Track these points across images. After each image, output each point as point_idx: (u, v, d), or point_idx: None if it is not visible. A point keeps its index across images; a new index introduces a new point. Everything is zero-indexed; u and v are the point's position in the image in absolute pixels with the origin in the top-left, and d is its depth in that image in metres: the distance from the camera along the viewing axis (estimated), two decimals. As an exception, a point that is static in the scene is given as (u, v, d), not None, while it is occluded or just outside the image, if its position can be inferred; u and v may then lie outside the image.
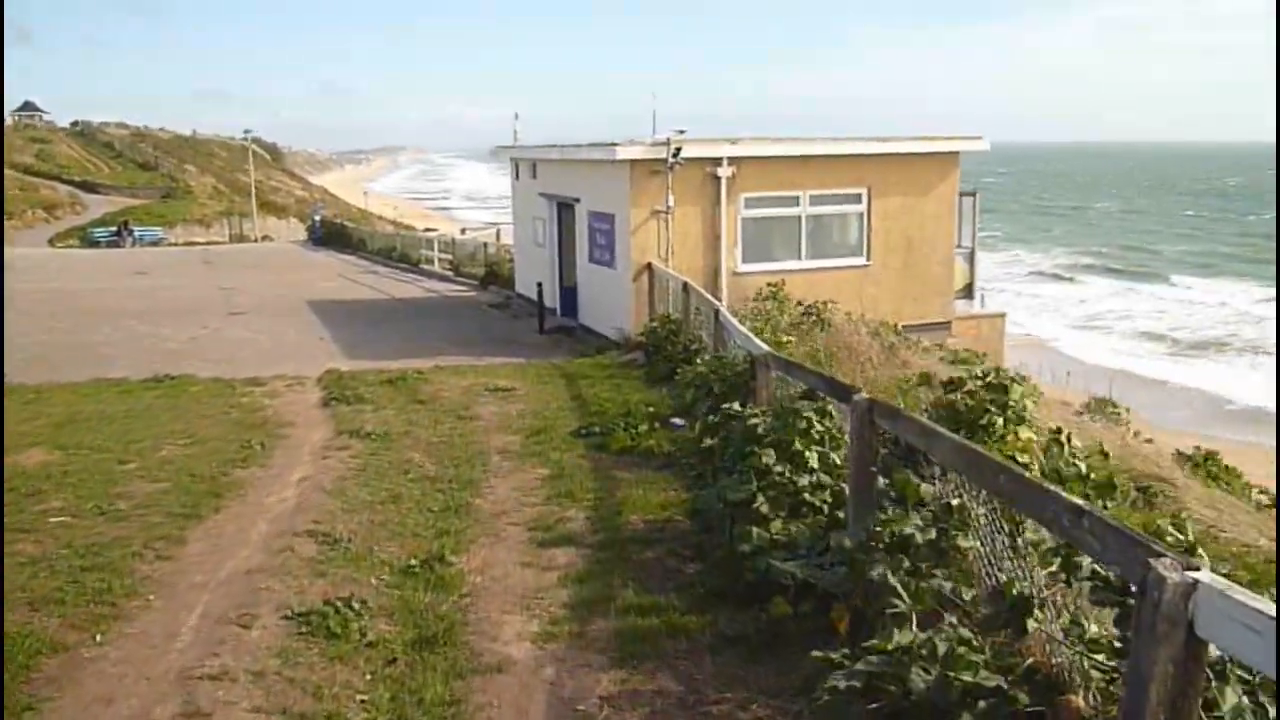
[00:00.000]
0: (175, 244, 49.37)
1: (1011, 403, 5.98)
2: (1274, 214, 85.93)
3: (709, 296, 14.68)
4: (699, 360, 13.92)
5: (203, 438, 11.53)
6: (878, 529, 5.30)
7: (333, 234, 44.58)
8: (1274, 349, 39.51)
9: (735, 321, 12.16)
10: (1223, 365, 41.31)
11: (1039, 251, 76.68)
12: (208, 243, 50.27)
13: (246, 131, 58.58)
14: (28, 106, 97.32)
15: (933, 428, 4.93)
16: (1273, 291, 51.66)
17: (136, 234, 47.22)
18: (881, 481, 6.11)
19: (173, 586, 6.82)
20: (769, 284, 19.30)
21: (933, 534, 4.87)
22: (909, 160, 21.11)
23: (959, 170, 21.72)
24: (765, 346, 9.87)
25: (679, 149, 18.98)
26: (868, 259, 21.19)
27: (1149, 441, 13.40)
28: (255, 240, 54.13)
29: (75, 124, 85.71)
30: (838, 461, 6.94)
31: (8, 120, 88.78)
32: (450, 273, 33.16)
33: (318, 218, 47.51)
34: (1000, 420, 5.78)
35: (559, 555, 7.65)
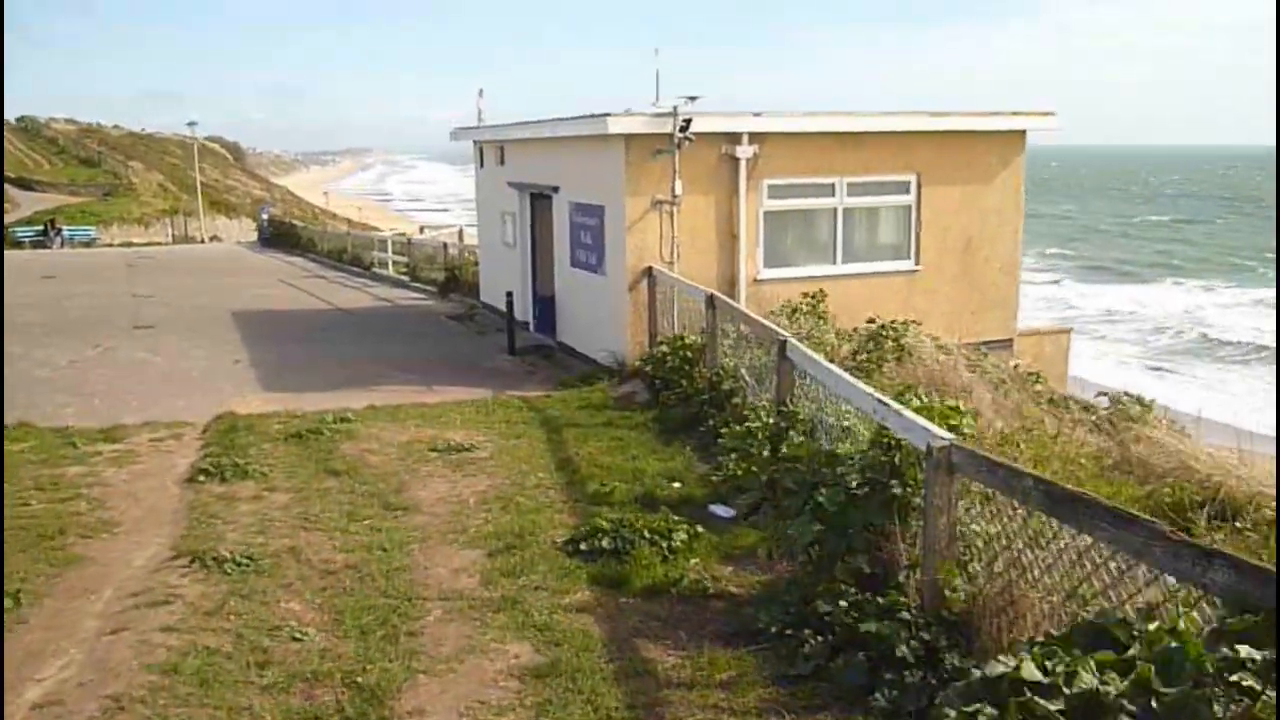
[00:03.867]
0: (111, 244, 43.85)
1: None
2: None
3: (766, 322, 9.76)
4: (746, 413, 9.14)
5: (-72, 572, 6.56)
6: None
7: (281, 234, 39.21)
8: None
9: (838, 368, 7.20)
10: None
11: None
12: (146, 243, 44.68)
13: (191, 123, 52.64)
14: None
15: None
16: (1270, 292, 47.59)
17: (65, 234, 41.66)
18: None
19: None
20: (805, 295, 14.58)
21: None
22: (968, 140, 16.39)
23: (1025, 154, 17.08)
24: (940, 430, 5.07)
25: (688, 121, 14.13)
26: (916, 263, 16.45)
27: None
28: (202, 241, 48.64)
29: (21, 119, 79.39)
30: None
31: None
32: (406, 277, 28.11)
33: (265, 216, 42.16)
34: None
35: None
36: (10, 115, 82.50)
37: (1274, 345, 37.99)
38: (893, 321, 11.50)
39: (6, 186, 50.36)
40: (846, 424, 7.56)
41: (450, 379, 15.09)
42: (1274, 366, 34.96)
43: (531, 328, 18.29)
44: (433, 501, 8.40)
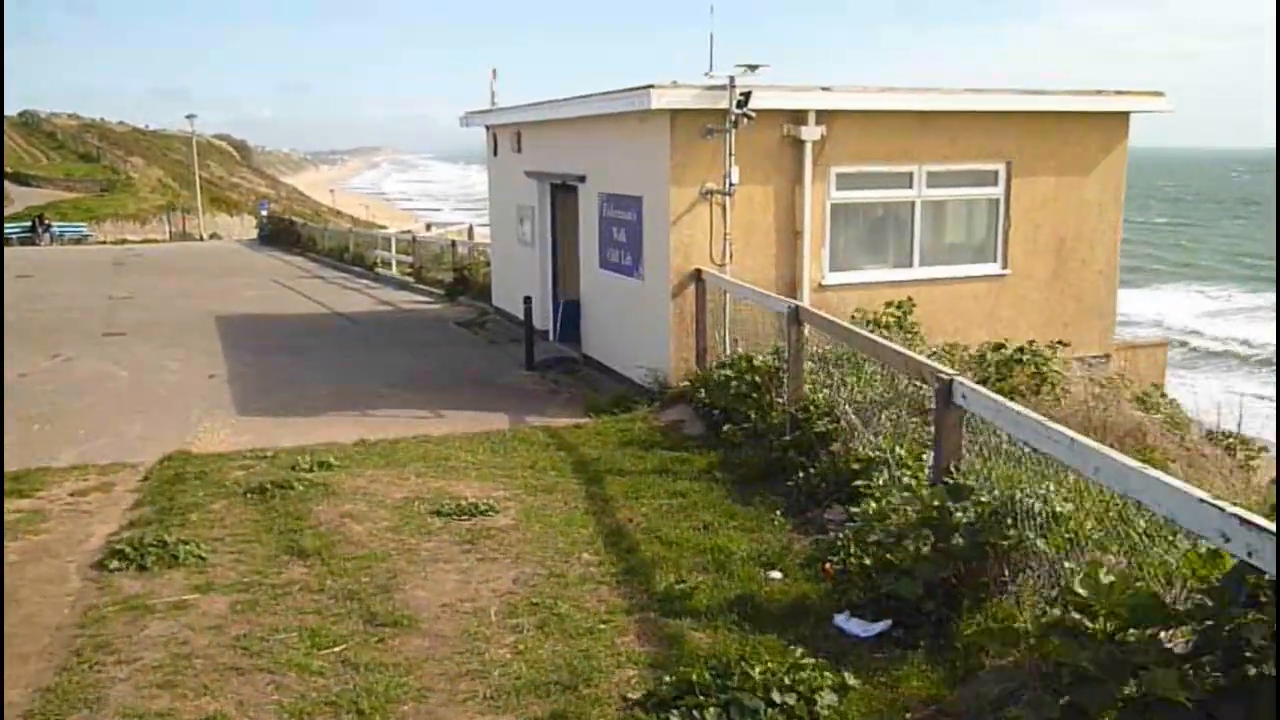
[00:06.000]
0: (104, 242, 41.18)
1: None
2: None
3: (910, 353, 6.88)
4: (855, 465, 6.49)
5: None
6: None
7: (280, 231, 36.50)
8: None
9: (1107, 448, 4.32)
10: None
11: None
12: (142, 240, 42.04)
13: (190, 116, 49.64)
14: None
15: None
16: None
17: (55, 230, 38.97)
18: None
19: None
20: (888, 303, 11.91)
21: None
22: (1065, 124, 13.69)
23: (1128, 140, 14.38)
24: None
25: (747, 94, 11.44)
26: (1004, 266, 13.77)
27: None
28: (200, 238, 45.96)
29: (22, 114, 76.65)
30: None
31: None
32: (410, 278, 25.42)
33: (264, 213, 39.47)
34: None
35: None
36: (14, 110, 79.96)
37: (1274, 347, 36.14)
38: (1031, 343, 8.79)
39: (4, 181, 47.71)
40: (1059, 510, 4.91)
41: (459, 401, 12.44)
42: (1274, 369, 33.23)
43: (552, 337, 15.62)
44: (437, 610, 5.70)
